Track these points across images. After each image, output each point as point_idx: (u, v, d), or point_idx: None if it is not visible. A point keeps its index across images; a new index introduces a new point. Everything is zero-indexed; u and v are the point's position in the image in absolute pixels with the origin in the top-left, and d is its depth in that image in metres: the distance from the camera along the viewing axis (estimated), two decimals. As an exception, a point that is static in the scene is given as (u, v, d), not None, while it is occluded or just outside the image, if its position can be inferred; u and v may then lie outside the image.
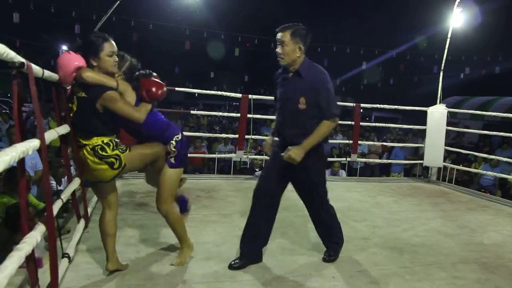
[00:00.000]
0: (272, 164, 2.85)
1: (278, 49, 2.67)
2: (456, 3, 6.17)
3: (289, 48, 2.63)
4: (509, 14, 17.81)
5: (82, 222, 3.17)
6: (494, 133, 6.60)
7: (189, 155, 7.17)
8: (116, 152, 2.41)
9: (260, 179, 2.90)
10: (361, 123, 6.33)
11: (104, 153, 2.37)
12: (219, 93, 6.10)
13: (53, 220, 2.17)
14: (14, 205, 2.93)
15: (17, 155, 1.52)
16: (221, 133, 7.41)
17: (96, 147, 2.36)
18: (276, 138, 2.91)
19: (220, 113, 7.32)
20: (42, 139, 1.97)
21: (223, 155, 7.36)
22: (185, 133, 7.22)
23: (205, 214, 4.00)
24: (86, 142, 2.37)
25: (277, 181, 2.80)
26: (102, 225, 2.59)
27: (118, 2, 5.52)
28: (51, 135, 2.36)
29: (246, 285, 2.57)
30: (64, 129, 2.67)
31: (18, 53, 1.75)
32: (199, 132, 9.19)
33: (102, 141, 2.38)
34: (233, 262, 2.80)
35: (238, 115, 5.75)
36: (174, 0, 14.92)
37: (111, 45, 2.39)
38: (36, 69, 2.10)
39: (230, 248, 3.14)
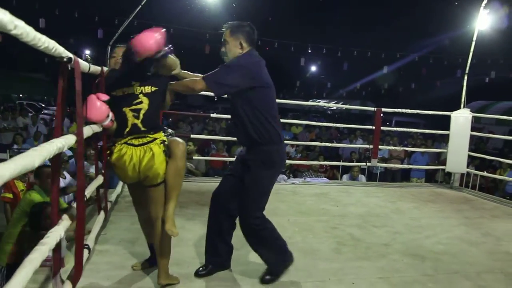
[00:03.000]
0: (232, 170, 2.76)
1: (222, 49, 2.61)
2: (483, 4, 6.02)
3: (230, 44, 2.56)
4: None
5: (102, 214, 3.19)
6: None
7: (209, 158, 7.25)
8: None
9: None
10: (381, 128, 6.23)
11: (166, 150, 2.34)
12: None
13: (84, 214, 2.24)
14: (37, 205, 2.99)
15: (53, 150, 1.55)
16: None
17: (165, 142, 2.34)
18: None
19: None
20: (79, 135, 2.01)
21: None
22: (204, 136, 7.33)
23: (223, 217, 3.99)
24: (156, 136, 2.32)
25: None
26: (158, 239, 2.40)
27: (140, 6, 5.61)
28: (87, 131, 2.39)
29: (264, 289, 2.55)
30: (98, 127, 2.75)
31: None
32: (219, 136, 9.24)
33: (164, 136, 2.38)
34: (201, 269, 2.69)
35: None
36: (194, 5, 15.10)
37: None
38: (83, 64, 2.16)
39: (249, 251, 3.12)
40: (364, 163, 6.59)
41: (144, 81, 2.33)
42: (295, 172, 7.02)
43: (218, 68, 2.53)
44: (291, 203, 4.66)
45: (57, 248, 1.94)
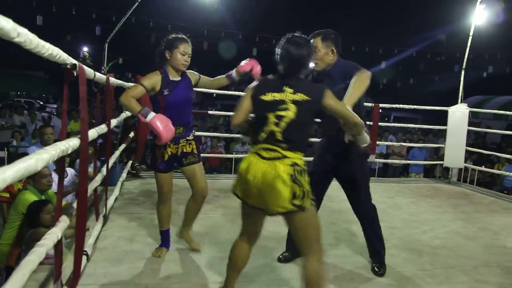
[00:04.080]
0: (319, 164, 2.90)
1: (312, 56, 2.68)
2: (479, 0, 6.02)
3: (322, 52, 2.67)
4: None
5: (101, 220, 3.22)
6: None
7: (206, 155, 7.26)
8: (307, 186, 1.98)
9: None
10: (379, 123, 6.23)
11: (299, 177, 1.95)
12: (237, 93, 6.10)
13: (85, 217, 2.25)
14: (34, 203, 3.00)
15: (56, 153, 1.55)
16: (238, 133, 7.38)
17: (297, 167, 1.96)
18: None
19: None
20: (84, 139, 2.01)
21: (240, 155, 7.37)
22: (203, 133, 7.36)
23: (222, 213, 4.01)
24: (290, 155, 1.96)
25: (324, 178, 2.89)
26: (236, 256, 2.22)
27: (137, 3, 5.59)
28: (93, 134, 2.42)
29: (261, 285, 2.56)
30: (104, 129, 2.84)
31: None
32: (217, 132, 9.26)
33: (301, 161, 2.01)
34: (281, 256, 2.95)
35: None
36: (191, 1, 15.01)
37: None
38: (88, 71, 2.18)
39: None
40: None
41: (297, 88, 2.02)
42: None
43: (353, 65, 2.65)
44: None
45: (58, 253, 1.95)
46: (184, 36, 2.71)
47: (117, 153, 4.42)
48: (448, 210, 4.65)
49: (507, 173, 6.84)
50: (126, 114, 4.65)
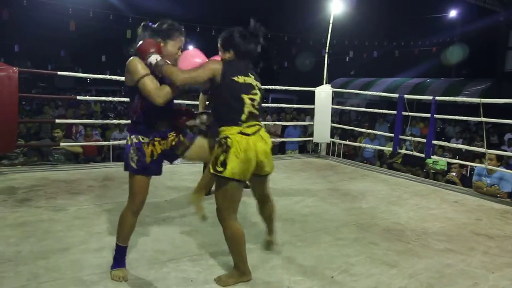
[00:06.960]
0: None
1: None
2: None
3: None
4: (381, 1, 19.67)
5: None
6: (370, 110, 7.39)
7: (81, 144, 6.76)
8: None
9: None
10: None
11: None
12: (108, 77, 5.78)
13: None
14: None
15: None
16: (115, 120, 7.03)
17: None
18: None
19: (111, 98, 6.95)
20: None
21: (117, 142, 7.02)
22: (76, 120, 6.82)
23: (98, 204, 3.82)
24: (261, 124, 2.45)
25: None
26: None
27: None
28: None
29: (140, 271, 2.55)
30: None
31: None
32: (92, 120, 8.68)
33: None
34: None
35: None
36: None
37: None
38: None
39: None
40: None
41: (256, 76, 2.46)
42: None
43: None
44: (170, 183, 4.67)
45: None
46: (183, 28, 2.50)
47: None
48: (317, 181, 5.16)
49: (366, 145, 7.82)
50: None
